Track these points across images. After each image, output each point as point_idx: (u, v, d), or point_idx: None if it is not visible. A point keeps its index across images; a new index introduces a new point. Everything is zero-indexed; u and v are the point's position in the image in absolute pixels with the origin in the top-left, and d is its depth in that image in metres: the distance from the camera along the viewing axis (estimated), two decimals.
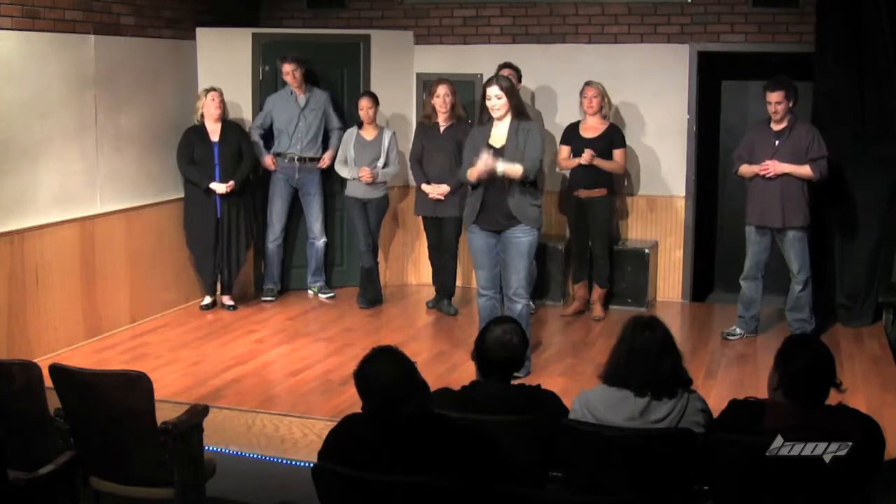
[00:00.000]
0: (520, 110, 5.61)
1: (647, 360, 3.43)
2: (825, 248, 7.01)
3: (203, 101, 7.14)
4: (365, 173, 7.24)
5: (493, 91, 5.54)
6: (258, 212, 7.64)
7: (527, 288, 5.71)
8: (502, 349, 3.64)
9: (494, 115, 5.56)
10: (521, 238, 5.58)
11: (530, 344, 5.68)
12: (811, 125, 6.43)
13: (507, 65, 7.11)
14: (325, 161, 7.57)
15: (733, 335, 6.65)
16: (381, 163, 7.34)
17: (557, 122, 7.58)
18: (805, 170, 6.22)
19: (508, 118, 5.56)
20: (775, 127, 6.32)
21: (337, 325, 7.06)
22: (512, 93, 5.58)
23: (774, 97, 6.22)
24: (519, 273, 5.61)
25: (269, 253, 7.71)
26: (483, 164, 5.39)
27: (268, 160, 7.54)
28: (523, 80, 7.27)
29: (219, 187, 7.08)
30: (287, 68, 7.42)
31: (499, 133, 5.58)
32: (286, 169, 7.56)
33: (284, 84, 7.57)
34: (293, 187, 7.64)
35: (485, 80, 7.68)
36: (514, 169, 5.43)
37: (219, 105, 7.14)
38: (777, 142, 6.30)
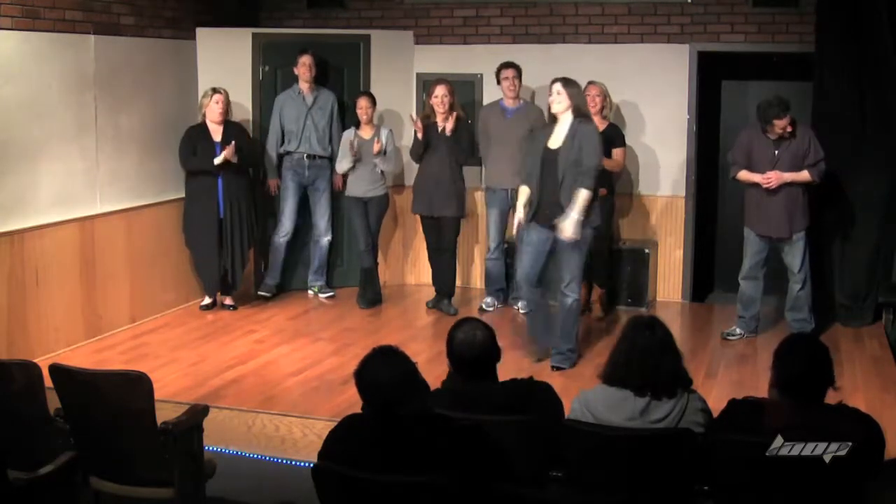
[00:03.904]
0: (580, 111, 5.75)
1: (646, 359, 3.44)
2: (825, 247, 7.01)
3: (207, 101, 7.13)
4: (375, 147, 7.23)
5: (555, 87, 5.74)
6: (259, 211, 7.64)
7: (578, 283, 5.86)
8: (470, 349, 3.59)
9: (553, 109, 5.76)
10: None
11: (579, 339, 6.02)
12: (807, 127, 6.39)
13: (508, 64, 7.13)
14: (338, 183, 7.63)
15: (733, 335, 6.65)
16: (378, 160, 7.34)
17: None
18: (804, 175, 6.23)
19: (569, 118, 5.68)
20: (772, 135, 6.30)
21: (337, 325, 7.06)
22: (574, 94, 5.73)
23: (782, 123, 6.12)
24: (570, 267, 5.78)
25: (276, 247, 7.66)
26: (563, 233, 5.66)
27: (272, 184, 7.61)
28: (523, 80, 7.28)
29: (220, 158, 7.02)
30: (305, 59, 7.43)
31: (557, 134, 5.75)
32: (296, 166, 7.57)
33: (286, 84, 7.60)
34: (304, 185, 7.65)
35: (485, 80, 7.80)
36: (574, 217, 5.60)
37: (223, 108, 7.13)
38: (776, 151, 6.26)
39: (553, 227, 5.73)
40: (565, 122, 5.72)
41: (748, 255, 6.56)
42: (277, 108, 7.55)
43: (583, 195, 5.63)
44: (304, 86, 7.51)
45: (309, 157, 7.54)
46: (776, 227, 6.34)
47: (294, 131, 7.51)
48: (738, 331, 6.66)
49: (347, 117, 7.75)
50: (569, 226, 5.62)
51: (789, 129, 6.17)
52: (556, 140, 5.74)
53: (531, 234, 5.88)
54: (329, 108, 7.58)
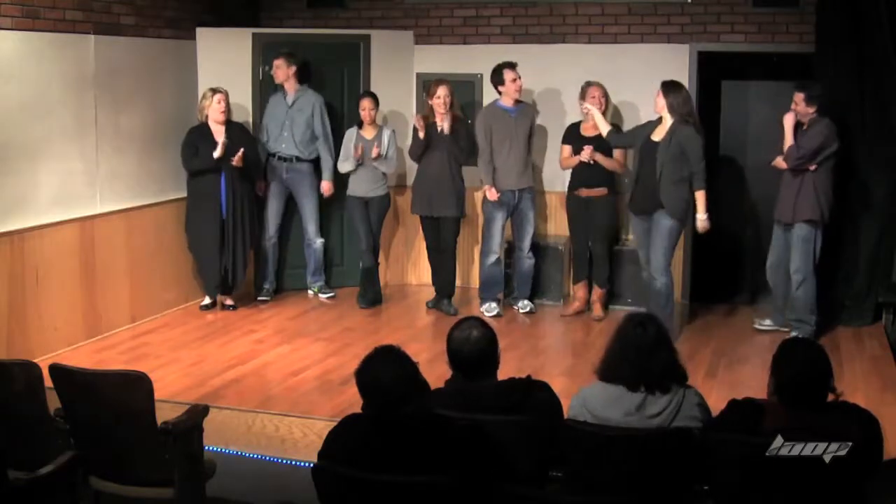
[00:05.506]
0: (678, 112, 6.27)
1: (638, 355, 3.46)
2: (827, 247, 6.99)
3: (209, 102, 7.13)
4: (374, 152, 7.23)
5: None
6: (259, 212, 7.63)
7: (665, 267, 6.34)
8: (466, 346, 3.58)
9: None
10: (663, 221, 6.28)
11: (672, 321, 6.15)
12: (822, 122, 6.39)
13: (513, 64, 7.11)
14: (325, 189, 7.58)
15: (763, 325, 6.80)
16: (376, 162, 7.34)
17: (557, 122, 7.58)
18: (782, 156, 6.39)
19: (670, 118, 6.30)
20: (804, 128, 6.42)
21: (337, 325, 7.06)
22: (671, 96, 6.31)
23: (797, 98, 6.40)
24: (657, 253, 6.33)
25: (265, 252, 7.71)
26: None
27: (260, 185, 7.56)
28: (524, 80, 7.24)
29: (219, 150, 6.99)
30: (275, 63, 7.46)
31: (660, 130, 6.36)
32: (277, 167, 7.56)
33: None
34: (286, 187, 7.65)
35: (485, 80, 7.78)
36: (702, 217, 6.34)
37: (224, 108, 7.13)
38: (797, 139, 6.40)
39: (650, 216, 6.31)
40: (667, 121, 6.30)
41: (770, 252, 6.74)
42: (267, 111, 7.57)
43: (700, 196, 6.26)
44: (287, 87, 7.51)
45: (285, 158, 7.52)
46: (783, 210, 6.53)
47: (275, 133, 7.51)
48: (767, 321, 6.82)
49: (349, 117, 7.75)
50: (701, 225, 6.35)
51: (798, 107, 6.36)
52: (658, 134, 6.33)
53: (634, 225, 6.58)
54: (310, 109, 7.52)
